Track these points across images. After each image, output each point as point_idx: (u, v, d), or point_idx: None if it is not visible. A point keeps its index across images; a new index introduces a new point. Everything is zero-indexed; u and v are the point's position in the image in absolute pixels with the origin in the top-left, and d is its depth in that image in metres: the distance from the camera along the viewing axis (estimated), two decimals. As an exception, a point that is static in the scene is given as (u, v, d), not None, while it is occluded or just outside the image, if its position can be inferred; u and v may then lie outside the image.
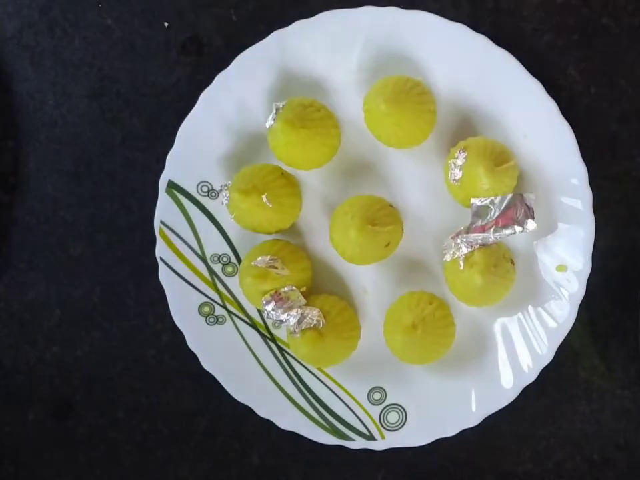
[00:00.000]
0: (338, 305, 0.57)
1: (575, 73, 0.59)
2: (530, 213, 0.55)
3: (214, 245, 0.59)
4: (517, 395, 0.57)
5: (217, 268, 0.59)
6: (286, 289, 0.56)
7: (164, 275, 0.58)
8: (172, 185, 0.58)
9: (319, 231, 0.59)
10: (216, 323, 0.59)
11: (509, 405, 0.57)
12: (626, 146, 0.59)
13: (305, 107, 0.56)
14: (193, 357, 0.58)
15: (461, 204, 0.57)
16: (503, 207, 0.55)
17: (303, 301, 0.57)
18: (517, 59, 0.56)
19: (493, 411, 0.57)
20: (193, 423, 0.62)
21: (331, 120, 0.57)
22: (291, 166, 0.57)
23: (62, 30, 0.62)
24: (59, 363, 0.62)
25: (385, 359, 0.58)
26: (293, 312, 0.56)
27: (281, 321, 0.57)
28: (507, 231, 0.55)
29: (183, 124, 0.58)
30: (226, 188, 0.57)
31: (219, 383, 0.58)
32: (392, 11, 0.57)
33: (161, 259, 0.58)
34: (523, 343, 0.57)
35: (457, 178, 0.55)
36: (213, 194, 0.59)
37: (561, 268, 0.57)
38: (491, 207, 0.55)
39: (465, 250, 0.55)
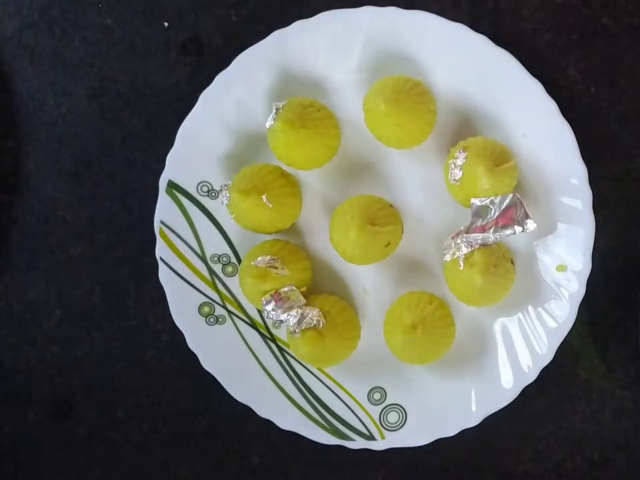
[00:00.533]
0: (338, 305, 0.57)
1: (575, 73, 0.59)
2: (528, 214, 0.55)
3: (214, 245, 0.59)
4: (516, 394, 0.57)
5: (217, 268, 0.59)
6: (286, 289, 0.56)
7: (164, 274, 0.58)
8: (172, 185, 0.58)
9: (319, 231, 0.59)
10: (216, 323, 0.59)
11: (509, 405, 0.57)
12: (626, 146, 0.59)
13: (305, 107, 0.56)
14: (193, 357, 0.58)
15: (460, 204, 0.57)
16: (503, 207, 0.55)
17: (303, 300, 0.57)
18: (517, 59, 0.56)
19: (493, 411, 0.57)
20: (192, 423, 0.62)
21: (331, 120, 0.57)
22: (291, 166, 0.57)
23: (62, 30, 0.62)
24: (58, 363, 0.62)
25: (384, 358, 0.58)
26: (293, 312, 0.56)
27: (281, 321, 0.57)
28: (507, 231, 0.55)
29: (182, 124, 0.58)
30: (226, 188, 0.57)
31: (219, 383, 0.58)
32: (392, 11, 0.57)
33: (161, 259, 0.58)
34: (522, 342, 0.57)
35: (456, 178, 0.55)
36: (213, 194, 0.59)
37: (561, 268, 0.57)
38: (491, 207, 0.55)
39: (464, 250, 0.55)
